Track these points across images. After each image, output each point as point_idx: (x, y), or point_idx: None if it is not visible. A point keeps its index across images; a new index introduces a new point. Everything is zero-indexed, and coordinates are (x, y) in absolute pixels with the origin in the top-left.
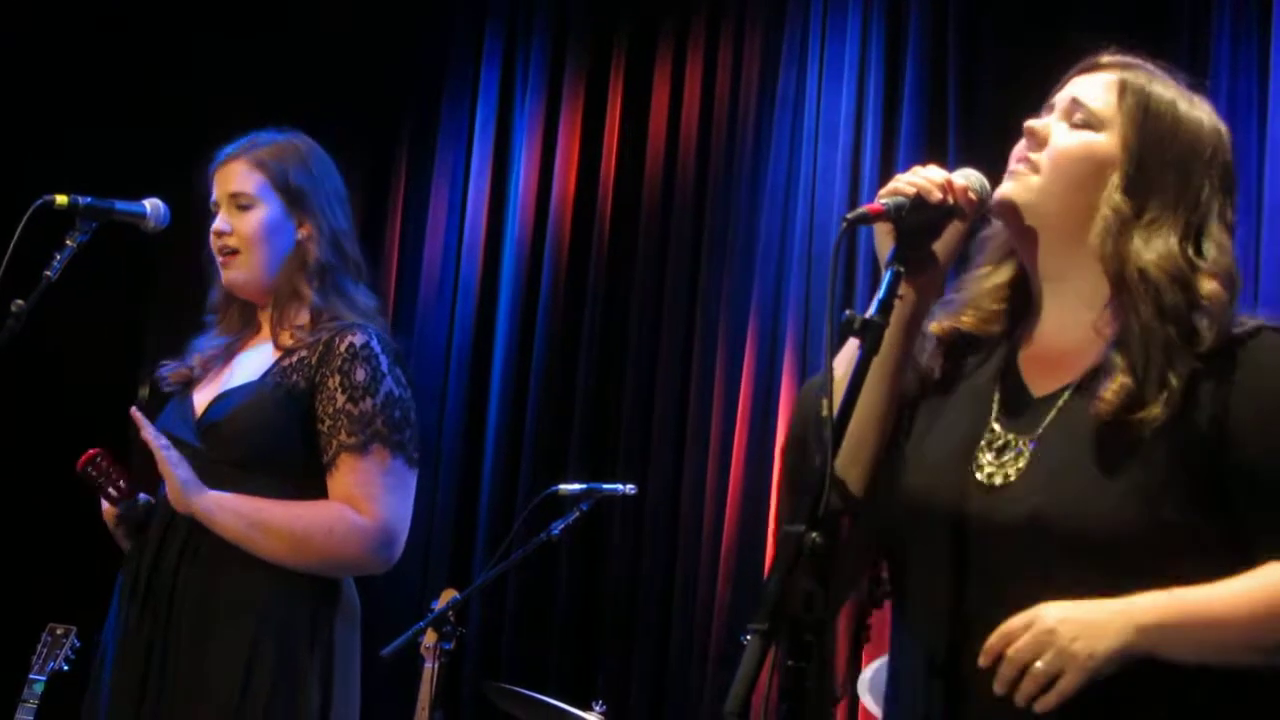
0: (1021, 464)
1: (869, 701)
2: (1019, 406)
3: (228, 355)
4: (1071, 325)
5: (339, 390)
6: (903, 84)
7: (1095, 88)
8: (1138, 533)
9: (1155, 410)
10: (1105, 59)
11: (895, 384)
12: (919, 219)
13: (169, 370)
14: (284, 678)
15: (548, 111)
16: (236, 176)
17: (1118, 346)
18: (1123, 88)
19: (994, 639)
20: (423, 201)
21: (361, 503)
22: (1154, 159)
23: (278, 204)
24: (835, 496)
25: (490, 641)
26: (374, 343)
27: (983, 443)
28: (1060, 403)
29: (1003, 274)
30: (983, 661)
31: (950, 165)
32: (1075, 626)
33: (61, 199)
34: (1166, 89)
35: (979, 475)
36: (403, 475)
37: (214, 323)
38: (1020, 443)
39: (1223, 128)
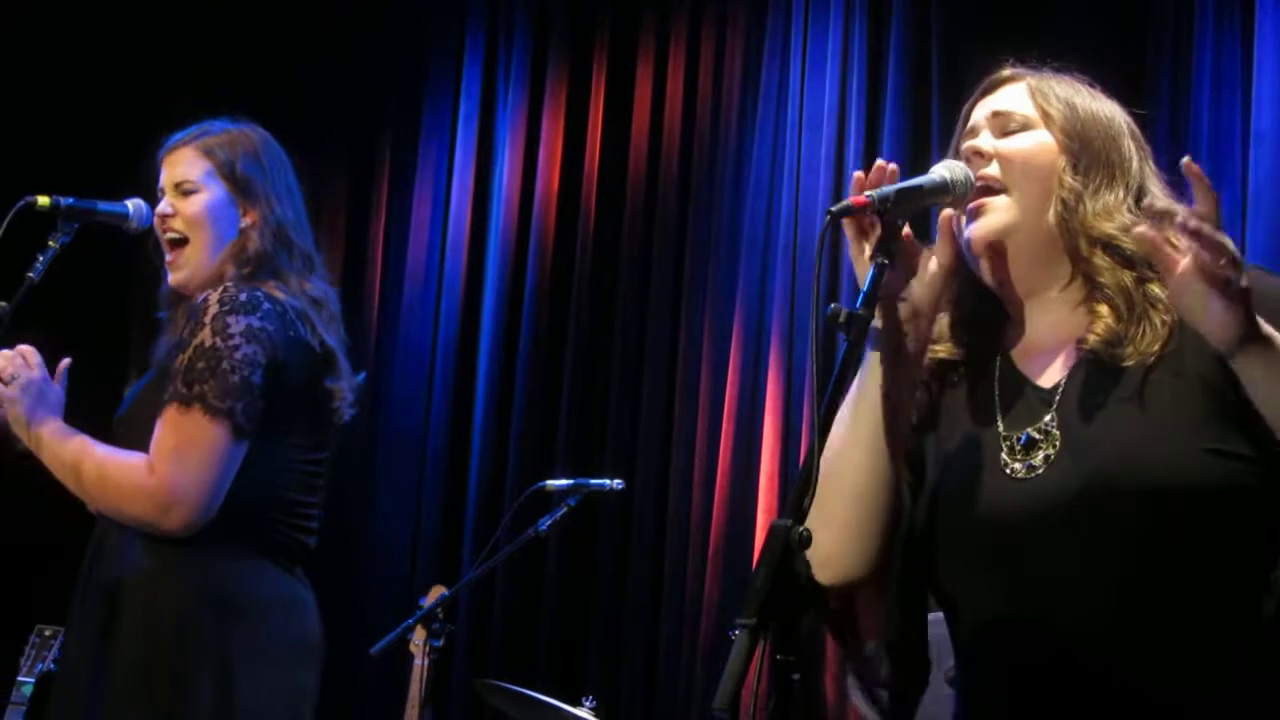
0: (1054, 447)
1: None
2: (1027, 403)
3: None
4: (1063, 322)
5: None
6: (885, 74)
7: (1013, 98)
8: (1194, 470)
9: (1153, 346)
10: (1007, 73)
11: (892, 451)
12: (904, 210)
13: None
14: (163, 675)
15: (530, 106)
16: (183, 163)
17: (1100, 301)
18: (1037, 92)
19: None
20: (407, 198)
21: (155, 460)
22: (1088, 138)
23: (222, 190)
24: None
25: (479, 638)
26: (213, 294)
27: (1004, 449)
28: (1064, 384)
29: (965, 308)
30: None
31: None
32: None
33: (43, 200)
34: (1073, 89)
35: (1010, 475)
36: (193, 430)
37: (166, 319)
38: (1037, 430)
39: (1126, 116)
